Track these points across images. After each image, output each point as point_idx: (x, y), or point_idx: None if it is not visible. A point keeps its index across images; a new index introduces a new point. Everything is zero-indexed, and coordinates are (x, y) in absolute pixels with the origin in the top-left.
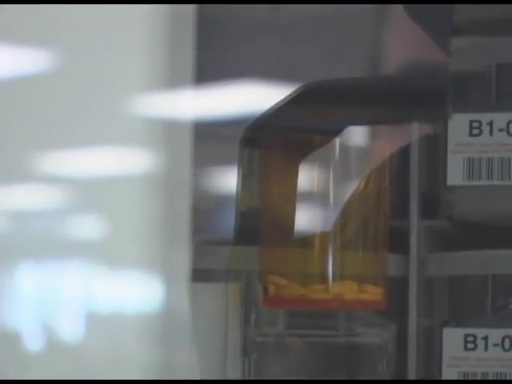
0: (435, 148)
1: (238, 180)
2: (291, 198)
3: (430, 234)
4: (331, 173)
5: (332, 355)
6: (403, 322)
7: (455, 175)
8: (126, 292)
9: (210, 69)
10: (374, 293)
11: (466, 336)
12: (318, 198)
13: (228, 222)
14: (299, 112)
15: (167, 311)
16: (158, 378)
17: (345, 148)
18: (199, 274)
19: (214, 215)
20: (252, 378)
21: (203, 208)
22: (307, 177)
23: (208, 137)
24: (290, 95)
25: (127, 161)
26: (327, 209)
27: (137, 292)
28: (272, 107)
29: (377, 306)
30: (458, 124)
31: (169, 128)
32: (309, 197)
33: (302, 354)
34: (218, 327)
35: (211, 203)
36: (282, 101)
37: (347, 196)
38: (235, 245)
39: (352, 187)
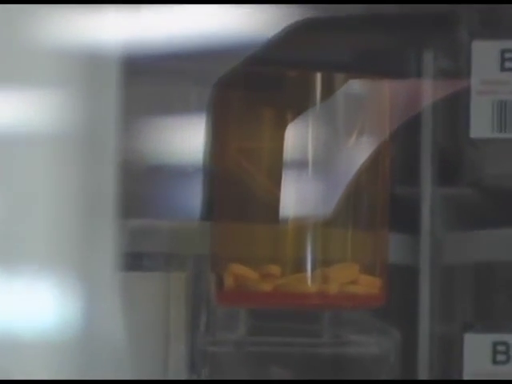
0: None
1: (206, 133)
2: (256, 154)
3: (449, 206)
4: (310, 121)
5: (313, 370)
6: (411, 326)
7: (481, 125)
8: (30, 298)
9: None
10: (369, 285)
11: (496, 344)
12: (293, 154)
13: (171, 192)
14: (292, 45)
15: (89, 324)
16: None
17: (330, 87)
18: (132, 261)
19: (151, 183)
20: None
21: (136, 173)
22: (278, 126)
23: (143, 74)
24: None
25: (33, 109)
26: (305, 170)
27: (45, 297)
28: (263, 46)
29: (373, 302)
30: (484, 55)
31: (90, 63)
32: (279, 153)
33: (270, 370)
34: (157, 332)
35: (148, 166)
36: (273, 38)
37: (332, 153)
38: (180, 221)
39: (339, 141)
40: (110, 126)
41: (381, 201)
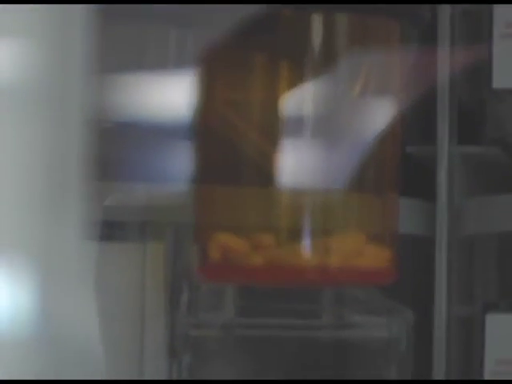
0: (475, 32)
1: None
2: (245, 108)
3: (469, 167)
4: (309, 69)
5: (311, 357)
6: (426, 306)
7: (506, 73)
8: None
9: None
10: (377, 257)
11: None
12: (288, 108)
13: (147, 153)
14: None
15: (53, 307)
16: None
17: (331, 30)
18: (103, 230)
19: (124, 142)
20: None
21: (108, 131)
22: (271, 75)
23: (116, 17)
24: None
25: None
26: (302, 126)
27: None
28: None
29: (382, 278)
30: None
31: (56, 5)
32: (273, 107)
33: (262, 356)
34: (131, 312)
35: (121, 124)
36: None
37: (333, 107)
38: (158, 185)
39: (342, 92)
40: (79, 78)
41: (390, 161)
